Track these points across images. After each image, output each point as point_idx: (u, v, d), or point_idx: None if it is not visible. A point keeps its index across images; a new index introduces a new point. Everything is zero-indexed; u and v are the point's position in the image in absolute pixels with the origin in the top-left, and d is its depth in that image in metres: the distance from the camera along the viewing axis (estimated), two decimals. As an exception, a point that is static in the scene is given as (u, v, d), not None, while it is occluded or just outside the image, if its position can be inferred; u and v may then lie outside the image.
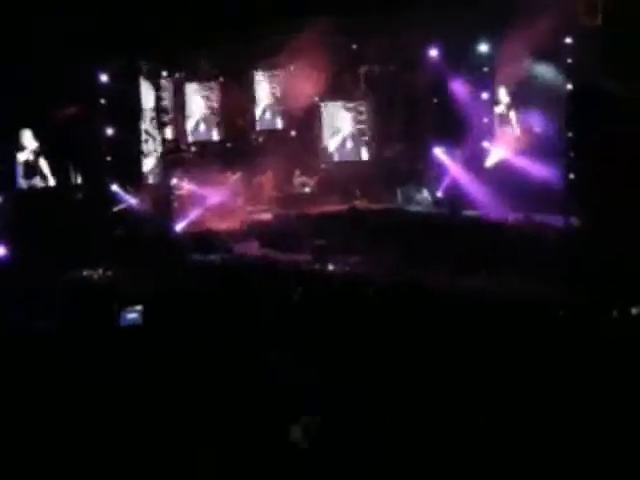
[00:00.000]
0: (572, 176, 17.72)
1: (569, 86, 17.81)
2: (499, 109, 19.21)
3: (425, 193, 19.34)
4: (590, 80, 16.99)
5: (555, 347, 10.52)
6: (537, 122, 19.19)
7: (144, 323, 12.26)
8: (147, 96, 18.44)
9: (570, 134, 17.80)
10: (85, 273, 15.53)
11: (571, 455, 7.94)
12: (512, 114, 19.31)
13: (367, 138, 20.07)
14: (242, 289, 13.91)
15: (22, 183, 17.01)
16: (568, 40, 17.56)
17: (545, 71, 18.63)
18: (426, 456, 8.03)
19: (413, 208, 19.15)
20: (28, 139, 17.25)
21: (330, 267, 15.80)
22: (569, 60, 17.71)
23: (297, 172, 19.94)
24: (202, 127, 19.59)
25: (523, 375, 9.74)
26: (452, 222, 17.90)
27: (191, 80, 19.48)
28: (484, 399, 9.13)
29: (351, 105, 20.02)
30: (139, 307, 12.43)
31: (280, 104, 19.99)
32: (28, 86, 16.21)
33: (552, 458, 7.93)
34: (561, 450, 8.01)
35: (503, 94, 19.17)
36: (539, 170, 18.16)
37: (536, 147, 18.61)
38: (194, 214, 18.26)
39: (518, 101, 19.23)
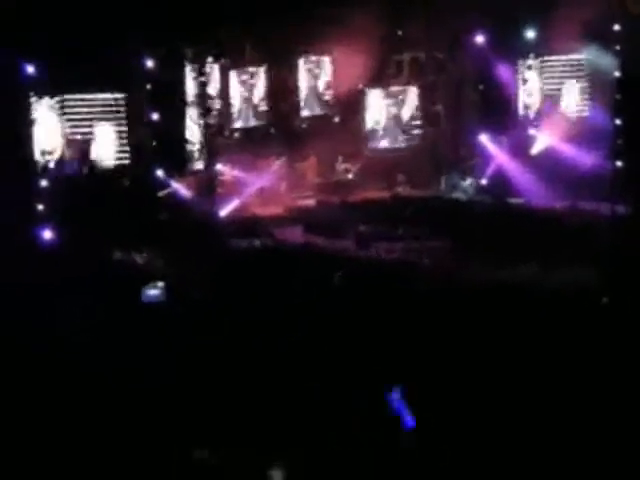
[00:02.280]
0: (620, 164, 17.51)
1: (617, 73, 17.59)
2: (546, 96, 19.04)
3: (469, 180, 19.22)
4: (638, 67, 16.78)
5: (601, 335, 10.45)
6: (585, 109, 19.01)
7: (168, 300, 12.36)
8: (192, 82, 18.50)
9: (618, 121, 17.58)
10: (129, 256, 15.67)
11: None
12: (559, 101, 19.14)
13: (411, 125, 19.97)
14: (283, 274, 13.98)
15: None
16: (616, 27, 17.34)
17: (593, 58, 18.44)
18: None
19: (457, 195, 19.04)
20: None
21: (373, 254, 15.80)
22: (617, 47, 17.49)
23: (340, 159, 19.90)
24: (246, 113, 19.61)
25: (575, 362, 9.68)
26: (497, 210, 17.78)
27: (236, 66, 19.49)
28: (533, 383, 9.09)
29: (395, 91, 19.92)
30: (161, 284, 12.52)
31: (324, 90, 19.94)
32: (76, 70, 16.34)
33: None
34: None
35: (550, 80, 18.99)
36: (586, 157, 18.00)
37: (584, 134, 18.43)
38: (238, 200, 18.31)
39: (566, 88, 19.05)
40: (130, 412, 8.93)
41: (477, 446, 8.00)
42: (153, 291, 12.78)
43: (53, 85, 16.50)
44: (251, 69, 19.58)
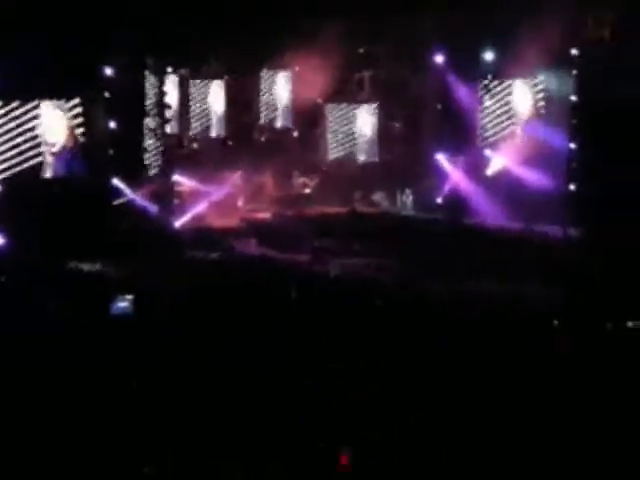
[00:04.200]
0: (573, 187, 17.75)
1: (573, 97, 17.84)
2: (503, 118, 19.25)
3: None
4: (596, 92, 17.02)
5: (547, 357, 10.54)
6: (541, 132, 19.23)
7: (135, 313, 12.25)
8: (151, 91, 18.43)
9: (573, 145, 17.83)
10: (82, 265, 15.52)
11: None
12: (516, 123, 19.35)
13: (369, 141, 20.07)
14: (239, 286, 13.91)
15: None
16: (574, 51, 17.58)
17: (550, 82, 18.67)
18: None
19: (412, 213, 19.16)
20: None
21: (328, 269, 15.80)
22: (575, 71, 17.73)
23: (296, 173, 19.93)
24: (205, 124, 19.57)
25: (514, 380, 9.75)
26: (451, 228, 17.93)
27: (196, 77, 19.46)
28: (476, 401, 9.14)
29: (354, 108, 20.02)
30: (130, 296, 12.41)
31: (284, 104, 19.98)
32: (32, 78, 16.20)
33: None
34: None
35: (508, 103, 19.19)
36: (541, 180, 18.19)
37: (539, 157, 18.63)
38: (194, 210, 18.24)
39: (521, 110, 19.27)
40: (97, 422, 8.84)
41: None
42: (122, 303, 12.58)
43: (8, 91, 16.34)
44: (211, 81, 19.56)
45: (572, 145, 17.87)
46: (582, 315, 12.29)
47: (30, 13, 15.82)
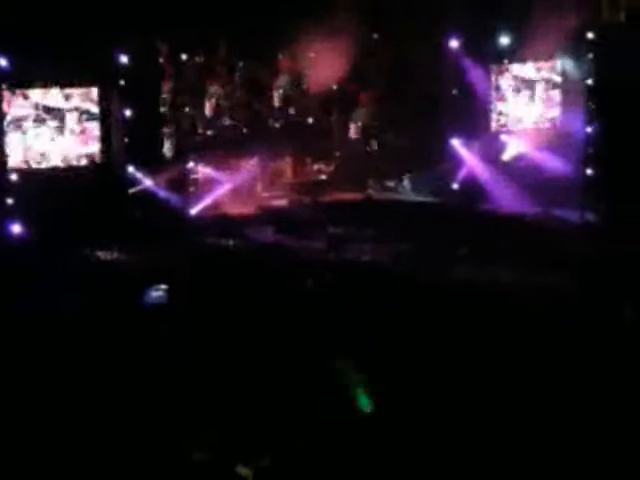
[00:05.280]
0: (590, 171, 17.70)
1: (590, 81, 17.76)
2: (518, 102, 19.16)
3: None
4: (612, 76, 16.95)
5: (563, 345, 10.54)
6: (557, 116, 19.16)
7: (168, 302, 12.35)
8: (166, 78, 18.44)
9: (589, 129, 17.77)
10: (98, 254, 15.62)
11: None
12: (532, 107, 19.26)
13: (384, 127, 19.99)
14: (254, 275, 13.97)
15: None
16: (590, 35, 17.50)
17: (567, 65, 18.59)
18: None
19: (427, 199, 19.10)
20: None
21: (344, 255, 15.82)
22: (591, 55, 17.65)
23: (311, 159, 19.91)
24: (220, 111, 19.53)
25: (525, 370, 9.77)
26: (467, 214, 17.90)
27: (211, 63, 19.42)
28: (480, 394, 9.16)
29: (370, 94, 19.93)
30: (164, 286, 12.51)
31: (298, 90, 19.91)
32: (48, 65, 16.26)
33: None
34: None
35: (523, 87, 19.10)
36: (557, 164, 18.15)
37: (555, 141, 18.58)
38: (210, 198, 18.26)
39: (538, 95, 19.18)
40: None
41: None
42: (155, 293, 12.65)
43: (24, 78, 16.41)
44: (226, 67, 19.52)
45: (589, 129, 17.80)
46: (599, 301, 12.29)
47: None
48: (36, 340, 10.88)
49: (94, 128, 17.14)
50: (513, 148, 18.99)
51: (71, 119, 16.95)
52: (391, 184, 19.71)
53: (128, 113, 17.23)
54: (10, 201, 16.00)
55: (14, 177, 16.29)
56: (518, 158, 18.89)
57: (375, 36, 19.38)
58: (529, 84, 19.05)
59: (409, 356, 10.27)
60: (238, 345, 10.68)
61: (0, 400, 9.28)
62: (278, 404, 8.93)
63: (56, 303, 12.35)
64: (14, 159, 16.49)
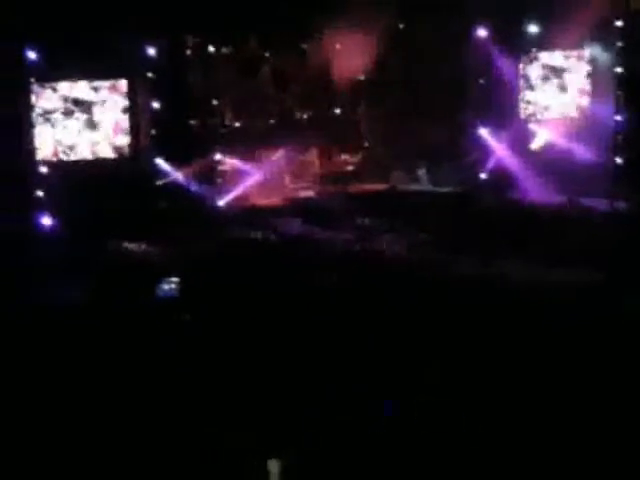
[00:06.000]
0: (620, 160, 17.56)
1: (619, 69, 17.61)
2: (547, 91, 19.03)
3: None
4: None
5: (590, 335, 10.45)
6: (586, 105, 18.99)
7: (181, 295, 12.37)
8: (194, 70, 18.54)
9: (619, 117, 17.62)
10: (126, 245, 15.73)
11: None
12: (560, 96, 19.12)
13: (410, 118, 19.90)
14: (282, 266, 13.98)
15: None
16: (618, 23, 17.34)
17: (595, 54, 18.43)
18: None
19: (456, 189, 18.99)
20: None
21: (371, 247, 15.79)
22: (619, 43, 17.49)
23: (338, 150, 19.90)
24: (247, 103, 19.58)
25: (552, 357, 9.69)
26: (495, 205, 17.80)
27: (238, 56, 19.47)
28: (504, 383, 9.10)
29: (396, 85, 19.85)
30: (175, 279, 12.54)
31: (325, 82, 19.89)
32: (77, 58, 16.40)
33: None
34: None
35: (551, 75, 18.96)
36: (586, 153, 18.01)
37: (585, 130, 18.44)
38: (237, 190, 18.32)
39: (567, 83, 19.04)
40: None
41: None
42: (167, 286, 12.69)
43: (54, 72, 16.58)
44: (254, 59, 19.56)
45: (618, 117, 17.66)
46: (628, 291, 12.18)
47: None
48: (52, 329, 10.98)
49: (122, 120, 17.31)
50: (542, 137, 18.86)
51: (99, 112, 17.13)
52: (419, 174, 19.64)
53: (156, 105, 17.36)
54: (40, 193, 16.18)
55: (44, 169, 16.48)
56: (547, 147, 18.75)
57: (401, 26, 19.30)
58: (558, 73, 18.91)
59: (440, 348, 10.20)
60: (255, 337, 10.69)
61: (18, 383, 9.41)
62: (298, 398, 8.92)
63: (76, 292, 12.45)
64: (43, 151, 16.71)
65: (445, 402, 8.74)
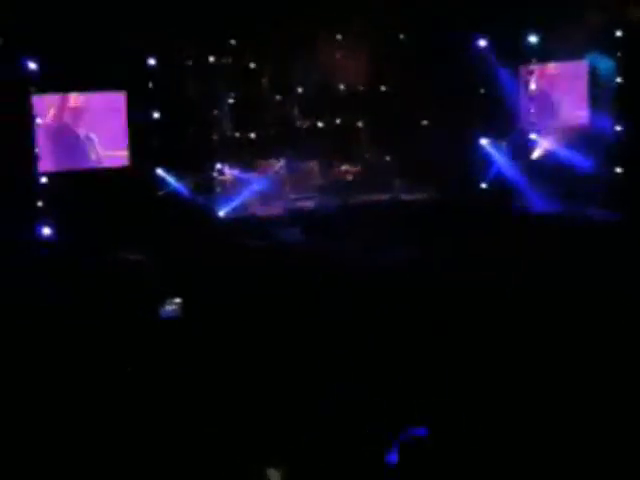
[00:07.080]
0: (619, 170, 17.57)
1: (619, 79, 17.65)
2: (547, 101, 19.07)
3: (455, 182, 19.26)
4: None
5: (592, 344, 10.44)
6: (586, 115, 19.04)
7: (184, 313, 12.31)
8: (194, 80, 18.57)
9: (618, 128, 17.65)
10: (126, 256, 15.71)
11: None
12: (560, 106, 19.16)
13: (410, 127, 19.92)
14: (283, 276, 13.97)
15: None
16: (618, 33, 17.39)
17: (595, 64, 18.48)
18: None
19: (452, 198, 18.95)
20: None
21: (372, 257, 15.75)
22: (619, 53, 17.54)
23: (338, 161, 19.90)
24: (247, 113, 19.60)
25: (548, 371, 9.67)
26: (495, 214, 17.80)
27: (238, 66, 19.51)
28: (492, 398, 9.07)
29: (393, 94, 19.88)
30: (178, 300, 12.44)
31: (325, 92, 19.93)
32: (77, 69, 16.44)
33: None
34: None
35: (551, 86, 19.01)
36: (586, 163, 18.04)
37: (584, 140, 18.47)
38: (237, 200, 18.33)
39: (567, 93, 19.08)
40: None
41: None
42: (170, 307, 12.59)
43: (54, 82, 16.59)
44: (253, 69, 19.59)
45: (618, 127, 17.69)
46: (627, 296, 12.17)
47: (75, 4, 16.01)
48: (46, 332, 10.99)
49: (122, 131, 17.31)
50: (542, 147, 18.89)
51: (99, 122, 17.14)
52: (418, 185, 19.63)
53: (156, 116, 17.38)
54: (40, 203, 16.19)
55: (44, 180, 16.48)
56: (547, 157, 18.78)
57: (401, 37, 19.35)
58: (557, 83, 18.94)
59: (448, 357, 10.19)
60: (256, 346, 10.68)
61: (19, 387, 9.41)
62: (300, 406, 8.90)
63: (76, 301, 12.45)
64: (43, 162, 16.69)
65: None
